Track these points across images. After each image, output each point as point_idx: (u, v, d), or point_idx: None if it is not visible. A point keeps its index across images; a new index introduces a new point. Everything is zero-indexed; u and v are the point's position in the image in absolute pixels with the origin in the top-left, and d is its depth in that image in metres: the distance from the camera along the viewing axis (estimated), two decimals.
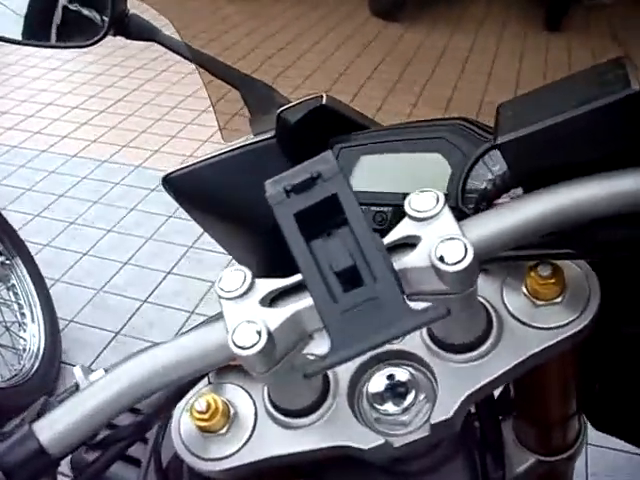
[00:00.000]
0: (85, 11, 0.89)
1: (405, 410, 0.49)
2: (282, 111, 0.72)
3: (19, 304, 2.23)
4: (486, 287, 0.53)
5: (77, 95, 4.23)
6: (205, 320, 0.53)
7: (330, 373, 0.52)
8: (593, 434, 0.71)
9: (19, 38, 0.93)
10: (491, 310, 0.52)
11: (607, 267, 0.53)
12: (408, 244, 0.42)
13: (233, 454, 0.50)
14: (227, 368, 0.54)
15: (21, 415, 0.47)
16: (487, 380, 0.49)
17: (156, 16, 1.00)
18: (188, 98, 4.02)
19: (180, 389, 0.53)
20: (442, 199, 0.43)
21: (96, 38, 0.85)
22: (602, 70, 0.46)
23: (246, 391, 0.53)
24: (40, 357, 2.14)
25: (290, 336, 0.42)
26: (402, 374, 0.51)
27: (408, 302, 0.38)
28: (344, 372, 0.52)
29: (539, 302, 0.51)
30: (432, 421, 0.47)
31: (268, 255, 0.75)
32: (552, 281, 0.50)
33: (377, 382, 0.51)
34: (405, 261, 0.41)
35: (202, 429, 0.50)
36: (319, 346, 0.46)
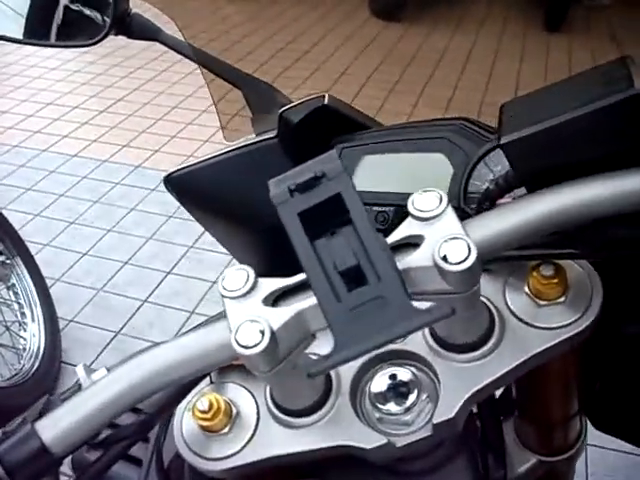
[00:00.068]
0: (87, 10, 0.89)
1: (407, 410, 0.49)
2: (284, 111, 0.72)
3: (19, 303, 2.22)
4: (488, 287, 0.53)
5: (77, 95, 4.23)
6: (206, 320, 0.53)
7: (332, 373, 0.52)
8: (593, 434, 0.71)
9: (21, 37, 0.93)
10: (493, 310, 0.52)
11: (609, 267, 0.53)
12: (411, 244, 0.42)
13: (235, 454, 0.50)
14: (229, 367, 0.54)
15: (23, 414, 0.47)
16: (489, 380, 0.49)
17: (158, 15, 1.00)
18: (188, 98, 4.03)
19: (182, 388, 0.52)
20: (445, 199, 0.43)
21: (98, 37, 0.85)
22: (606, 70, 0.46)
23: (248, 390, 0.53)
24: (40, 357, 2.14)
25: (293, 335, 0.42)
26: (404, 374, 0.51)
27: (412, 302, 0.38)
28: (346, 372, 0.52)
29: (541, 302, 0.51)
30: (434, 421, 0.47)
31: (269, 254, 0.75)
32: (554, 281, 0.50)
33: (379, 382, 0.51)
34: (408, 261, 0.41)
35: (204, 428, 0.50)
36: (322, 345, 0.46)
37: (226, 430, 0.51)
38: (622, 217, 0.45)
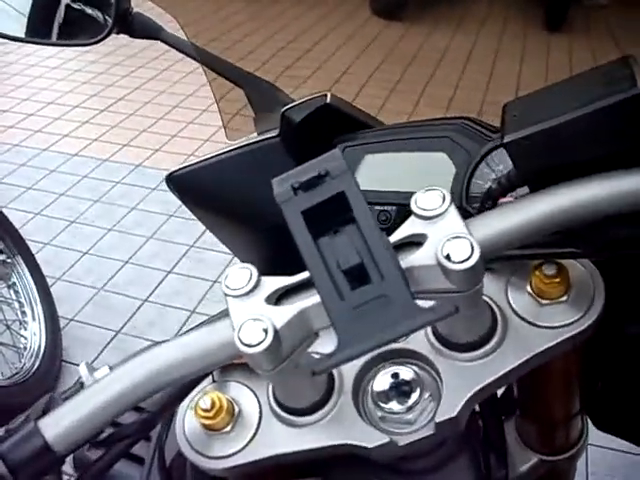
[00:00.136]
0: (88, 9, 0.89)
1: (410, 409, 0.49)
2: (286, 110, 0.72)
3: (20, 302, 2.23)
4: (491, 286, 0.53)
5: (78, 94, 4.23)
6: (208, 319, 0.53)
7: (335, 371, 0.52)
8: (593, 434, 0.71)
9: (23, 36, 0.93)
10: (496, 309, 0.52)
11: (611, 266, 0.53)
12: (414, 242, 0.42)
13: (237, 452, 0.50)
14: (231, 366, 0.54)
15: (26, 412, 0.47)
16: (492, 379, 0.49)
17: (160, 14, 1.00)
18: (189, 97, 4.03)
19: (184, 387, 0.52)
20: (448, 197, 0.43)
21: (100, 36, 0.85)
22: (609, 69, 0.46)
23: (250, 389, 0.53)
24: (41, 355, 2.14)
25: (296, 334, 0.42)
26: (407, 373, 0.51)
27: (415, 301, 0.38)
28: (349, 370, 0.52)
29: (544, 301, 0.51)
30: (437, 419, 0.47)
31: (272, 253, 0.75)
32: (557, 280, 0.50)
33: (382, 381, 0.51)
34: (412, 259, 0.41)
35: (206, 427, 0.50)
36: (324, 344, 0.46)
37: (228, 429, 0.51)
38: (625, 216, 0.45)
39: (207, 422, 0.50)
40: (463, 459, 0.56)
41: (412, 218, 0.43)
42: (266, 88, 0.85)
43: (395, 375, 0.51)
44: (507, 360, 0.49)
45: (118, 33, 0.86)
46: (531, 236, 0.45)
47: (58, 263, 2.75)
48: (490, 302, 0.52)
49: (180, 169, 0.78)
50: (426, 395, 0.50)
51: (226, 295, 0.44)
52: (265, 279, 0.44)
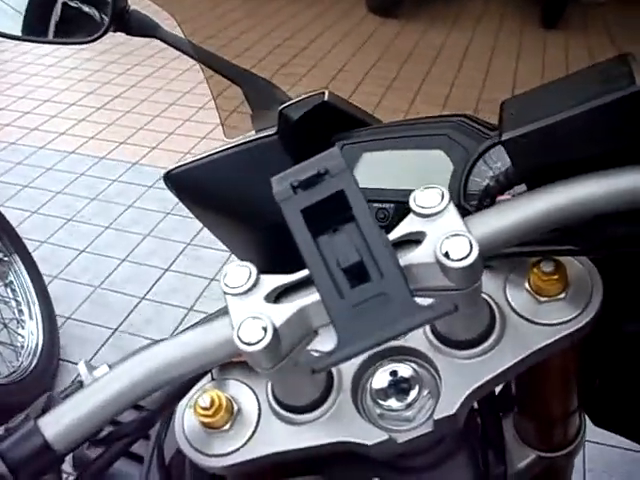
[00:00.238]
0: (85, 7, 0.89)
1: (409, 406, 0.49)
2: (284, 108, 0.72)
3: (17, 301, 2.22)
4: (489, 283, 0.53)
5: (74, 92, 4.22)
6: (207, 316, 0.53)
7: (334, 369, 0.52)
8: (591, 430, 0.71)
9: (19, 34, 0.92)
10: (494, 306, 0.52)
11: (609, 264, 0.53)
12: (413, 240, 0.42)
13: (236, 450, 0.50)
14: (230, 364, 0.54)
15: (25, 411, 0.47)
16: (490, 376, 0.49)
17: (157, 12, 0.99)
18: (186, 95, 4.02)
19: (183, 385, 0.53)
20: (447, 195, 0.43)
21: (97, 34, 0.85)
22: (607, 67, 0.46)
23: (249, 387, 0.53)
24: (38, 354, 2.14)
25: (295, 332, 0.42)
26: (405, 370, 0.51)
27: (415, 299, 0.38)
28: (348, 368, 0.52)
29: (542, 298, 0.51)
30: (435, 417, 0.47)
31: (270, 251, 0.75)
32: (555, 277, 0.51)
33: (381, 378, 0.51)
34: (410, 257, 0.41)
35: (205, 425, 0.51)
36: (323, 342, 0.46)
37: (227, 427, 0.51)
38: (622, 214, 0.45)
39: (206, 420, 0.50)
40: (461, 456, 0.57)
41: (411, 216, 0.43)
42: (263, 86, 0.85)
43: (394, 373, 0.51)
44: (505, 357, 0.49)
45: (115, 31, 0.86)
46: (529, 234, 0.45)
47: (55, 261, 2.75)
48: (488, 299, 0.52)
49: (178, 167, 0.78)
50: (425, 392, 0.50)
51: (225, 293, 0.44)
52: (264, 277, 0.44)
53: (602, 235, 0.49)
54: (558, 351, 0.51)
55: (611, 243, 0.49)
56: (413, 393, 0.50)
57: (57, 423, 0.45)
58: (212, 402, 0.50)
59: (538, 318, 0.51)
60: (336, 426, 0.49)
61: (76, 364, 0.49)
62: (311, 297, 0.42)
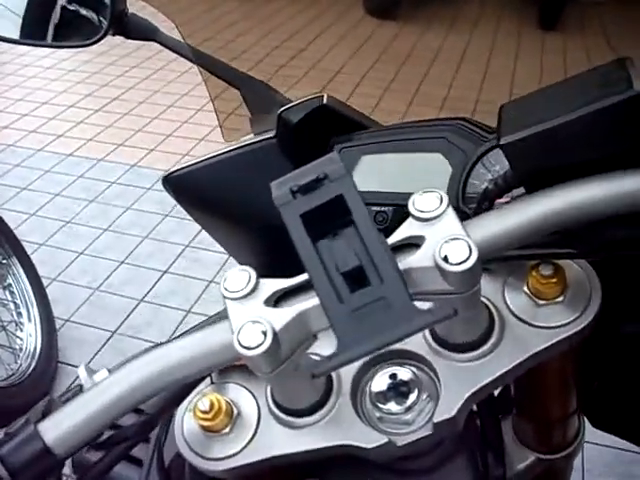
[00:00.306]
0: (84, 11, 0.89)
1: (408, 409, 0.50)
2: (283, 111, 0.72)
3: (15, 303, 2.22)
4: (488, 286, 0.53)
5: (72, 94, 4.22)
6: (206, 320, 0.53)
7: (333, 373, 0.52)
8: (590, 431, 0.71)
9: (18, 37, 0.93)
10: (493, 309, 0.52)
11: (608, 267, 0.53)
12: (412, 244, 0.42)
13: (236, 454, 0.50)
14: (230, 368, 0.54)
15: (25, 415, 0.47)
16: (489, 379, 0.49)
17: (154, 14, 0.99)
18: (184, 96, 4.02)
19: (183, 389, 0.53)
20: (446, 199, 0.43)
21: (96, 38, 0.85)
22: (605, 71, 0.47)
23: (249, 391, 0.53)
24: (37, 356, 2.14)
25: (295, 336, 0.43)
26: (405, 373, 0.51)
27: (414, 303, 0.38)
28: (347, 371, 0.52)
29: (541, 301, 0.51)
30: (435, 420, 0.47)
31: (269, 255, 0.75)
32: (554, 280, 0.51)
33: (380, 381, 0.51)
34: (409, 261, 0.41)
35: (205, 429, 0.51)
36: (323, 346, 0.47)
37: (227, 430, 0.51)
38: (621, 217, 0.45)
39: (206, 424, 0.50)
40: (461, 459, 0.57)
41: (410, 220, 0.43)
42: (262, 89, 0.85)
43: (393, 376, 0.51)
44: (504, 360, 0.49)
45: (114, 34, 0.86)
46: (528, 237, 0.45)
47: (54, 264, 2.74)
48: (487, 302, 0.52)
49: (177, 170, 0.78)
50: (424, 396, 0.50)
51: (225, 297, 0.44)
52: (264, 281, 0.44)
53: (601, 238, 0.49)
54: (557, 353, 0.51)
55: (610, 246, 0.49)
56: (412, 396, 0.50)
57: (57, 427, 0.45)
58: (212, 406, 0.50)
59: (537, 321, 0.51)
60: (335, 429, 0.49)
61: (75, 366, 0.49)
62: (311, 301, 0.42)
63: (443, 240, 0.41)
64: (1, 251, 2.22)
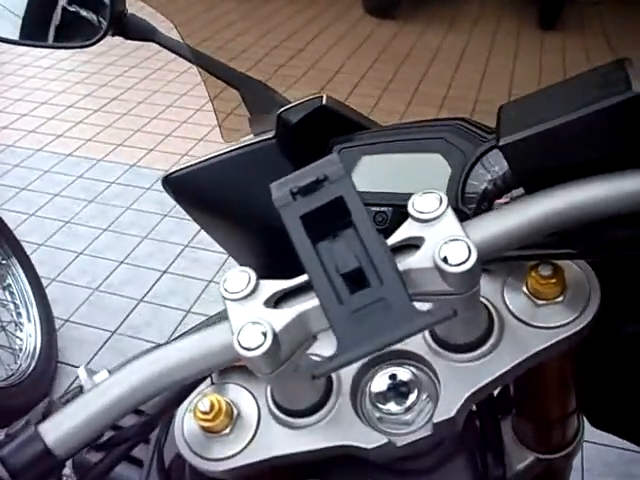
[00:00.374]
0: (83, 11, 0.89)
1: (408, 409, 0.50)
2: (282, 111, 0.72)
3: (15, 304, 2.22)
4: (487, 287, 0.53)
5: (71, 94, 4.22)
6: (206, 320, 0.53)
7: (333, 373, 0.52)
8: (589, 431, 0.71)
9: (17, 38, 0.93)
10: (492, 310, 0.52)
11: (607, 267, 0.53)
12: (412, 245, 0.43)
13: (236, 454, 0.50)
14: (230, 369, 0.54)
15: (26, 416, 0.47)
16: (489, 379, 0.49)
17: (152, 14, 1.00)
18: (183, 96, 4.02)
19: (183, 390, 0.53)
20: (445, 200, 0.43)
21: (95, 38, 0.85)
22: (604, 72, 0.47)
23: (249, 391, 0.53)
24: (37, 357, 2.14)
25: (295, 337, 0.43)
26: (404, 374, 0.51)
27: (414, 304, 0.38)
28: (347, 372, 0.52)
29: (540, 302, 0.52)
30: (435, 420, 0.48)
31: (268, 255, 0.75)
32: (553, 281, 0.51)
33: (380, 382, 0.52)
34: (409, 262, 0.41)
35: (205, 429, 0.51)
36: (323, 347, 0.47)
37: (227, 431, 0.51)
38: (620, 218, 0.45)
39: (206, 424, 0.50)
40: (461, 459, 0.57)
41: (409, 221, 0.43)
42: (261, 89, 0.85)
43: (393, 376, 0.51)
44: (504, 361, 0.49)
45: (113, 35, 0.86)
46: (528, 238, 0.45)
47: (53, 264, 2.75)
48: (487, 303, 0.52)
49: (176, 171, 0.78)
50: (424, 396, 0.50)
51: (225, 298, 0.44)
52: (264, 282, 0.44)
53: (600, 239, 0.49)
54: (556, 354, 0.51)
55: (610, 246, 0.50)
56: (412, 396, 0.50)
57: (57, 429, 0.45)
58: (212, 406, 0.50)
59: (536, 321, 0.51)
60: (335, 430, 0.49)
61: (74, 366, 0.49)
62: (310, 302, 0.42)
63: (442, 241, 0.41)
64: (0, 251, 2.22)
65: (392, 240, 0.43)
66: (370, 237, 0.40)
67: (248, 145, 0.75)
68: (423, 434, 0.48)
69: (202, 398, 0.50)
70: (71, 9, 0.89)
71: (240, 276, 0.44)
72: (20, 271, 2.25)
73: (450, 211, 0.43)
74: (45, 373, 2.14)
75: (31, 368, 2.09)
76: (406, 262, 0.41)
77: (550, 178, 0.46)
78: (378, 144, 0.68)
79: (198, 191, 0.79)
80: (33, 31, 0.93)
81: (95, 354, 2.30)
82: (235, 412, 0.52)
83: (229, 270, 0.46)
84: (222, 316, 0.45)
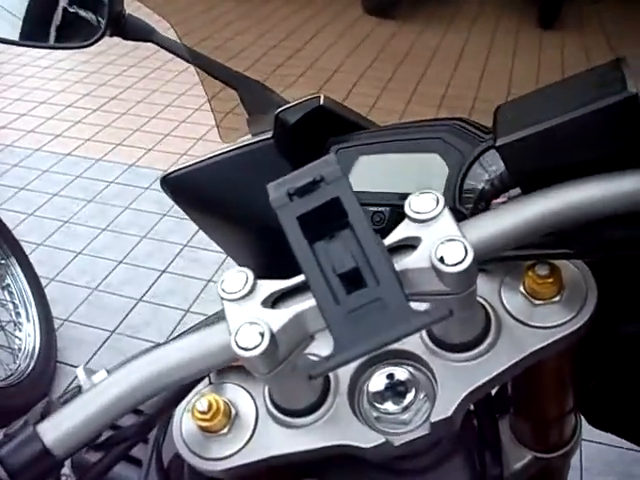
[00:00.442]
0: (82, 12, 0.89)
1: (405, 409, 0.50)
2: (280, 112, 0.72)
3: (14, 303, 2.22)
4: (485, 287, 0.53)
5: (70, 93, 4.22)
6: (204, 319, 0.53)
7: (331, 373, 0.52)
8: (588, 429, 0.72)
9: (16, 39, 0.93)
10: (489, 309, 0.52)
11: (604, 266, 0.53)
12: (408, 245, 0.43)
13: (234, 454, 0.50)
14: (228, 368, 0.54)
15: (24, 416, 0.47)
16: (486, 379, 0.49)
17: (150, 14, 1.00)
18: (182, 96, 4.02)
19: (181, 390, 0.53)
20: (442, 200, 0.43)
21: (93, 39, 0.85)
22: (600, 72, 0.47)
23: (247, 391, 0.53)
24: (36, 356, 2.14)
25: (292, 337, 0.43)
26: (402, 373, 0.51)
27: (410, 304, 0.38)
28: (344, 372, 0.52)
29: (537, 301, 0.52)
30: (432, 420, 0.48)
31: (266, 255, 0.75)
32: (550, 280, 0.51)
33: (377, 381, 0.52)
34: (406, 262, 0.42)
35: (203, 429, 0.51)
36: (320, 346, 0.47)
37: (225, 430, 0.51)
38: (617, 218, 0.45)
39: (204, 424, 0.50)
40: (458, 458, 0.57)
41: (406, 221, 0.43)
42: (259, 89, 0.85)
43: (390, 376, 0.51)
44: (501, 360, 0.50)
45: (111, 36, 0.86)
46: (524, 238, 0.46)
47: (52, 263, 2.74)
48: (484, 303, 0.53)
49: (174, 171, 0.78)
50: (421, 395, 0.50)
51: (222, 299, 0.44)
52: (261, 282, 0.44)
53: (597, 238, 0.49)
54: (553, 353, 0.52)
55: (606, 246, 0.50)
56: (409, 396, 0.50)
57: (56, 428, 0.45)
58: (210, 406, 0.50)
59: (533, 321, 0.51)
60: (333, 429, 0.49)
61: (74, 366, 0.49)
62: (307, 302, 0.42)
63: (439, 241, 0.41)
64: (0, 251, 2.22)
65: (389, 240, 0.43)
66: (367, 237, 0.40)
67: (246, 145, 0.75)
68: (420, 433, 0.48)
69: (200, 398, 0.51)
70: (69, 10, 0.89)
71: (238, 276, 0.45)
72: (19, 271, 2.25)
73: (447, 211, 0.43)
74: (44, 373, 2.14)
75: (30, 368, 2.09)
76: (403, 262, 0.42)
77: (547, 178, 0.46)
78: (376, 144, 0.68)
79: (196, 191, 0.79)
80: (32, 32, 0.93)
81: (94, 354, 2.30)
82: (233, 412, 0.52)
83: (228, 270, 0.46)
84: (220, 316, 0.45)
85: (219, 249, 0.88)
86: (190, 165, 0.77)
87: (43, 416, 0.46)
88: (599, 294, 0.51)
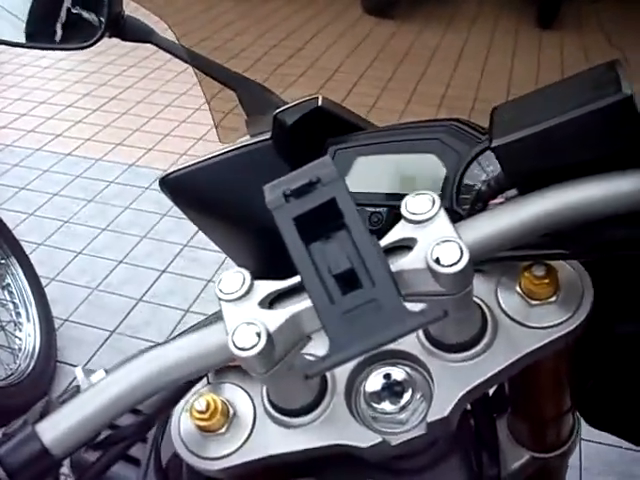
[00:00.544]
0: (81, 13, 0.89)
1: (402, 409, 0.50)
2: (278, 112, 0.72)
3: (14, 303, 2.23)
4: (481, 287, 0.53)
5: (70, 93, 4.22)
6: (203, 320, 0.53)
7: (327, 373, 0.52)
8: (587, 429, 0.72)
9: (16, 40, 0.93)
10: (486, 310, 0.52)
11: (600, 267, 0.53)
12: (404, 246, 0.43)
13: (232, 453, 0.50)
14: (226, 368, 0.54)
15: (23, 416, 0.47)
16: (482, 379, 0.49)
17: (148, 15, 1.00)
18: (182, 96, 4.02)
19: (179, 389, 0.53)
20: (438, 201, 0.43)
21: (92, 40, 0.85)
22: (596, 73, 0.47)
23: (245, 391, 0.54)
24: (36, 356, 2.14)
25: (289, 337, 0.43)
26: (398, 373, 0.52)
27: (406, 304, 0.39)
28: (341, 371, 0.52)
29: (533, 302, 0.52)
30: (429, 419, 0.48)
31: (264, 255, 0.76)
32: (546, 281, 0.51)
33: (374, 381, 0.52)
34: (401, 263, 0.42)
35: (201, 429, 0.51)
36: (317, 346, 0.47)
37: (223, 430, 0.51)
38: (613, 218, 0.45)
39: (202, 424, 0.50)
40: (455, 458, 0.57)
41: (402, 222, 0.44)
42: (258, 90, 0.86)
43: (387, 376, 0.52)
44: (497, 360, 0.50)
45: (110, 37, 0.86)
46: (520, 239, 0.46)
47: (52, 263, 2.75)
48: (480, 303, 0.53)
49: (173, 172, 0.78)
50: (418, 395, 0.50)
51: (220, 299, 0.44)
52: (258, 283, 0.45)
53: (593, 239, 0.49)
54: (550, 353, 0.52)
55: (602, 247, 0.50)
56: (406, 396, 0.50)
57: (55, 428, 0.45)
58: (208, 406, 0.50)
59: (529, 321, 0.51)
60: (330, 429, 0.50)
61: (73, 366, 0.50)
62: (304, 303, 0.42)
63: (435, 242, 0.41)
64: (0, 251, 2.22)
65: (385, 241, 0.43)
66: (362, 238, 0.40)
67: (245, 146, 0.75)
68: (417, 433, 0.49)
69: (198, 397, 0.51)
70: (70, 11, 0.89)
71: (235, 277, 0.45)
72: (19, 270, 2.25)
73: (443, 212, 0.43)
74: (44, 373, 2.14)
75: (30, 368, 2.09)
76: (398, 263, 0.42)
77: (542, 179, 0.46)
78: (373, 145, 0.69)
79: (195, 192, 0.79)
80: (32, 33, 0.93)
81: (94, 354, 2.31)
82: (231, 411, 0.52)
83: (226, 270, 0.46)
84: (218, 316, 0.45)
85: (219, 249, 0.88)
86: (189, 166, 0.77)
87: (42, 416, 0.46)
88: (595, 294, 0.51)
